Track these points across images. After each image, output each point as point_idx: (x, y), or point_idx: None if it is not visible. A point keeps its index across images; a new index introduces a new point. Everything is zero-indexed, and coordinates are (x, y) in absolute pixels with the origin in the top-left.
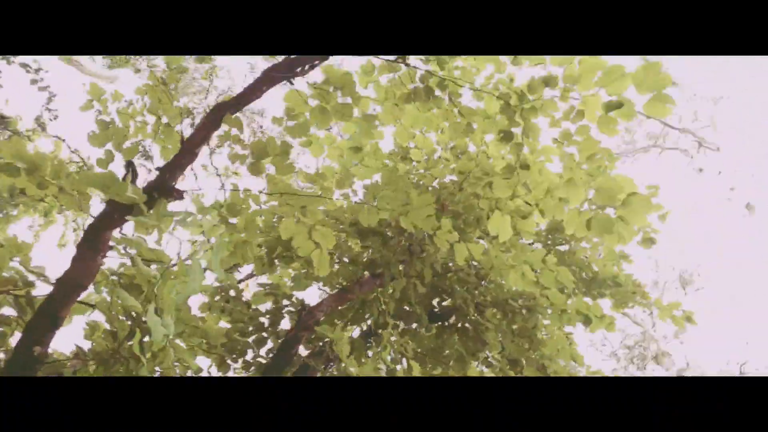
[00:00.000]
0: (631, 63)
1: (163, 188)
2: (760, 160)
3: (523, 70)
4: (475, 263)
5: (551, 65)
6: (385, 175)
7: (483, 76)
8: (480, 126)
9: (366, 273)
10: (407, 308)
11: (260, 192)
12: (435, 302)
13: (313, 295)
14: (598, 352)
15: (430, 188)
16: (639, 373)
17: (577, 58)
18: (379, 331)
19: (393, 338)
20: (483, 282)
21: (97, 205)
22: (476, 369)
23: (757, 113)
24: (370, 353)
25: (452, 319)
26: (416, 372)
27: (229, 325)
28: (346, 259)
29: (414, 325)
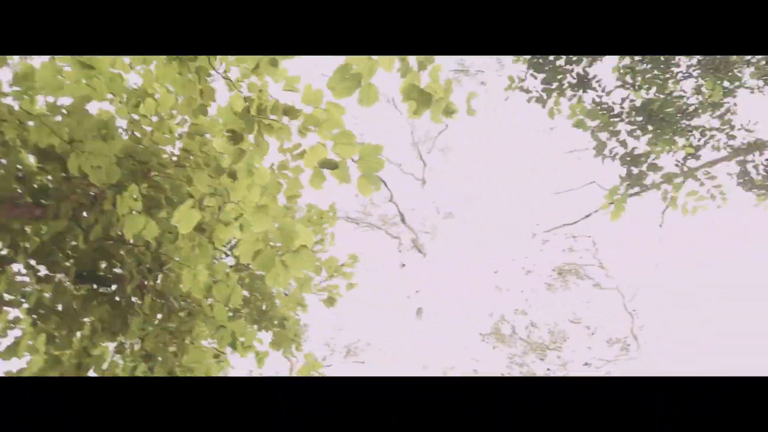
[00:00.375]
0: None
1: None
2: (444, 279)
3: (278, 87)
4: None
5: (302, 102)
6: (78, 100)
7: (240, 72)
8: (223, 117)
9: (29, 199)
10: (61, 256)
11: None
12: (103, 265)
13: None
14: None
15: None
16: None
17: (325, 103)
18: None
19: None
20: (162, 268)
21: None
22: (105, 350)
23: (471, 235)
24: None
25: (112, 289)
26: (27, 327)
27: None
28: (19, 173)
29: (60, 277)
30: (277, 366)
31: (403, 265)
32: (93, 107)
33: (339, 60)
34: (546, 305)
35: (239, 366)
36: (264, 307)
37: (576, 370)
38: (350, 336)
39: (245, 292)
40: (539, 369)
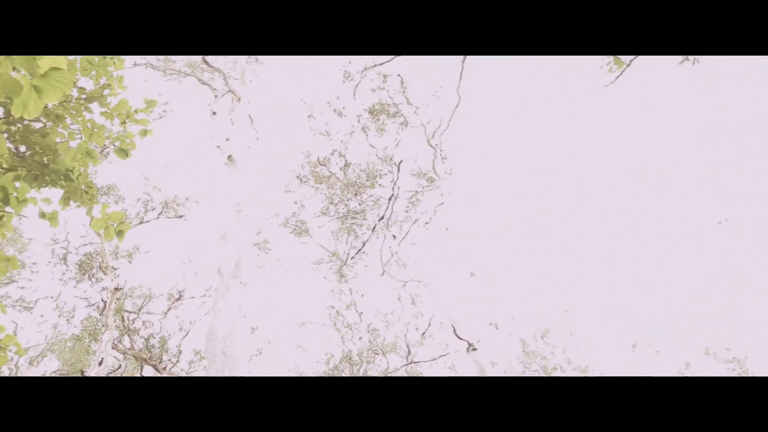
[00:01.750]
0: None
1: None
2: (258, 124)
3: None
4: None
5: None
6: None
7: None
8: None
9: None
10: None
11: None
12: None
13: None
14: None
15: None
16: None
17: None
18: None
19: None
20: None
21: None
22: None
23: None
24: None
25: None
26: None
27: None
28: None
29: None
30: (76, 221)
31: (215, 113)
32: None
33: None
34: (360, 145)
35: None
36: (45, 161)
37: (384, 203)
38: (167, 192)
39: (22, 147)
40: (353, 204)
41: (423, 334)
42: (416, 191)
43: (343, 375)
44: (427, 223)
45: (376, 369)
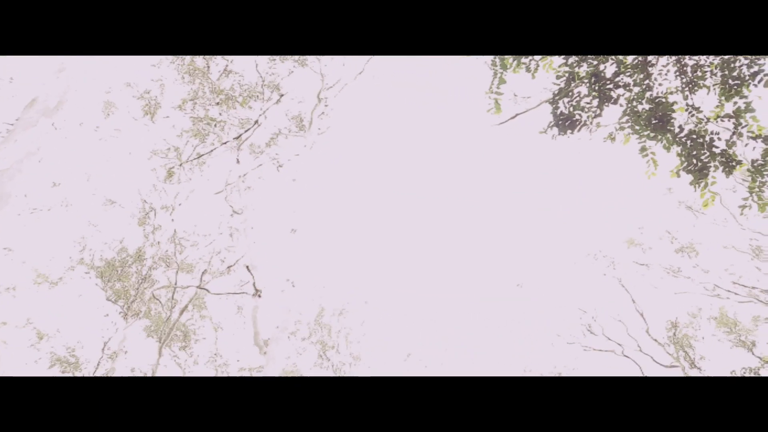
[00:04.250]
0: None
1: None
2: None
3: None
4: None
5: None
6: None
7: None
8: None
9: None
10: None
11: None
12: None
13: None
14: None
15: None
16: None
17: None
18: None
19: None
20: None
21: None
22: None
23: None
24: None
25: None
26: None
27: None
28: None
29: None
30: None
31: None
32: None
33: None
34: (249, 60)
35: None
36: None
37: (248, 125)
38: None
39: None
40: (214, 112)
41: (229, 267)
42: (281, 131)
43: (129, 270)
44: (280, 166)
45: (161, 275)
